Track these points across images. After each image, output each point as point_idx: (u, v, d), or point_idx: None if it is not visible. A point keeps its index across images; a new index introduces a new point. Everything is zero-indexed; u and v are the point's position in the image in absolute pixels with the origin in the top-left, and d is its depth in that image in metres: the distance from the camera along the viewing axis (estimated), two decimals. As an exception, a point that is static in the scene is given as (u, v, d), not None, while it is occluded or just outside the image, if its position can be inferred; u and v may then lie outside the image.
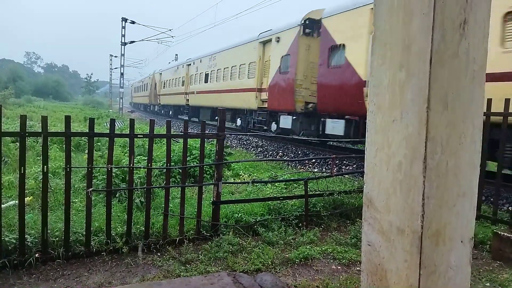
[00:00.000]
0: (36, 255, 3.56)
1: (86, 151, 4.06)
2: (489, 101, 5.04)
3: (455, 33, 1.60)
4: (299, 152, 12.78)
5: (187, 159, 4.89)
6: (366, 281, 1.93)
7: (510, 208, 6.03)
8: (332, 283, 3.34)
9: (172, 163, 4.53)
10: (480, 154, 1.74)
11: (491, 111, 5.06)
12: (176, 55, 44.01)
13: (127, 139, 4.19)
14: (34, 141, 9.21)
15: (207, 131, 4.50)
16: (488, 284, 3.45)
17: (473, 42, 1.63)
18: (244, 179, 7.63)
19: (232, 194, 6.34)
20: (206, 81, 22.34)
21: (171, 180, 4.74)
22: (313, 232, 4.57)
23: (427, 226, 1.63)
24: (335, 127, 11.23)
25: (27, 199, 4.61)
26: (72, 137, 3.86)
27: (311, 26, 12.88)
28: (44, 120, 3.64)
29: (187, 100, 26.29)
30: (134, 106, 60.32)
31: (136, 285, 3.11)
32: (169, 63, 37.17)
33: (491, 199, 6.23)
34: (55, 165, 6.92)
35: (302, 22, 12.87)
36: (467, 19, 1.60)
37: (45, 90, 69.23)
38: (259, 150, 14.08)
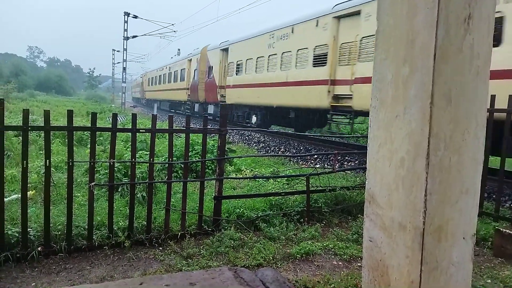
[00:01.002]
0: (39, 248, 3.58)
1: (89, 146, 4.07)
2: (493, 97, 5.00)
3: (459, 28, 1.58)
4: (301, 148, 12.77)
5: (189, 154, 4.89)
6: (367, 277, 1.93)
7: (512, 205, 6.01)
8: (333, 279, 3.34)
9: (174, 158, 4.53)
10: (483, 150, 1.73)
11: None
12: (179, 49, 43.96)
13: (129, 134, 4.19)
14: (36, 136, 9.24)
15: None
16: (489, 281, 3.45)
17: (477, 37, 1.61)
18: (246, 174, 7.64)
19: (234, 189, 6.35)
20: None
21: (173, 175, 4.75)
22: (314, 227, 4.57)
23: (429, 222, 1.62)
24: None
25: (29, 193, 4.64)
26: (74, 132, 3.86)
27: None
28: (47, 114, 3.64)
29: (334, 96, 11.55)
30: (147, 103, 45.62)
31: (137, 278, 3.12)
32: (173, 55, 32.47)
33: (494, 196, 6.21)
34: (57, 159, 6.95)
35: None
36: (472, 14, 1.58)
37: (47, 84, 69.41)
38: (261, 145, 14.08)
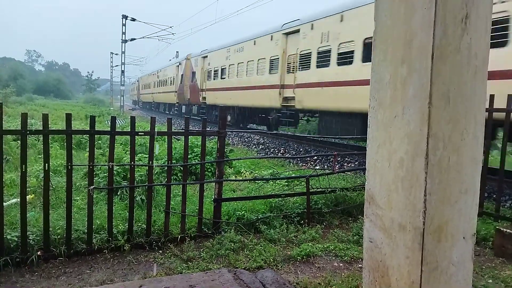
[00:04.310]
0: (38, 253, 3.56)
1: (87, 149, 4.06)
2: (491, 97, 5.01)
3: (457, 28, 1.58)
4: (301, 149, 12.77)
5: (189, 156, 4.88)
6: (368, 278, 1.93)
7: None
8: (334, 280, 3.33)
9: (173, 161, 4.52)
10: (482, 150, 1.73)
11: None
12: (177, 52, 43.97)
13: (128, 137, 4.18)
14: (35, 140, 9.21)
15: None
16: (490, 280, 3.45)
17: (475, 37, 1.61)
18: (245, 176, 7.63)
19: (234, 192, 6.34)
20: None
21: (172, 177, 4.74)
22: (315, 229, 4.56)
23: (429, 223, 1.62)
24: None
25: (28, 197, 4.61)
26: (73, 135, 3.86)
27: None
28: (45, 118, 3.63)
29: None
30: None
31: (137, 281, 3.11)
32: (171, 57, 37.13)
33: (494, 196, 6.21)
34: (56, 163, 6.92)
35: None
36: (469, 14, 1.58)
37: (46, 88, 69.32)
38: (260, 147, 14.07)
